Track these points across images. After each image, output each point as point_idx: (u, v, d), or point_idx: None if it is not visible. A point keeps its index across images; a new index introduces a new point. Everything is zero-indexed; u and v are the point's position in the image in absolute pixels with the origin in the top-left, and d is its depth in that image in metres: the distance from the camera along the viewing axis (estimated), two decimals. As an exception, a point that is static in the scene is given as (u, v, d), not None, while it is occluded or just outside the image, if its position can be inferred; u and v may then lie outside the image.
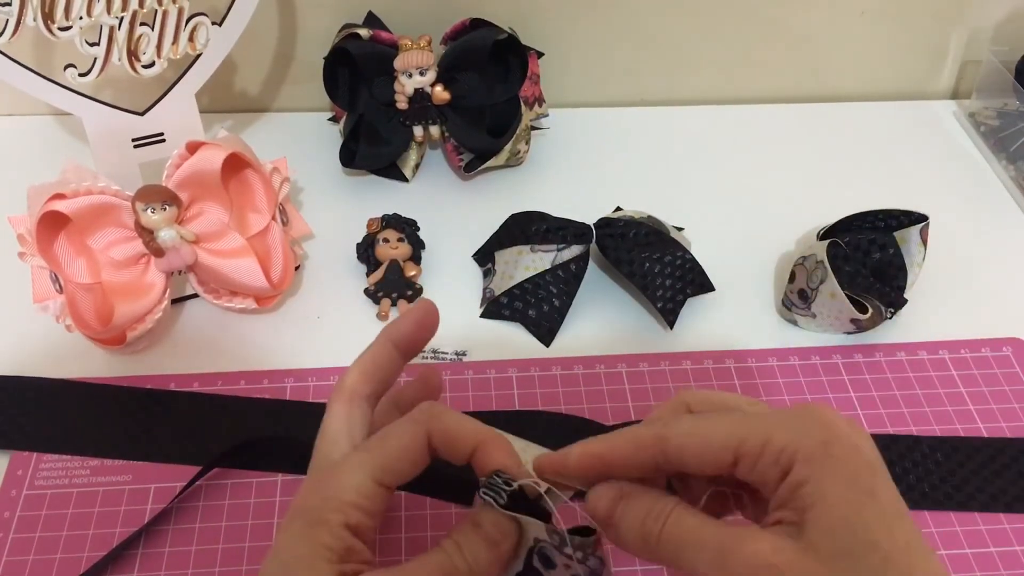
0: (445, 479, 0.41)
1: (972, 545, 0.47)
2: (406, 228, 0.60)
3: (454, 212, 0.65)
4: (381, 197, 0.66)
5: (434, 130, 0.66)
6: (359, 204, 0.65)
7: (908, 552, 0.27)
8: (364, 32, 0.63)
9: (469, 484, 0.33)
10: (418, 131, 0.66)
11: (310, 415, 0.50)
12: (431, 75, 0.64)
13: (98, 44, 0.54)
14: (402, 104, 0.65)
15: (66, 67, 0.54)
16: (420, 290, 0.59)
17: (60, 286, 0.51)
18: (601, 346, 0.56)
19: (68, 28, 0.53)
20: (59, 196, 0.50)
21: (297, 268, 0.59)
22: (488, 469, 0.32)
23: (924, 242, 0.56)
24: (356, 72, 0.64)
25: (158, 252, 0.52)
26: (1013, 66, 0.72)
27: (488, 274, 0.60)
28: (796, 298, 0.57)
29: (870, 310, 0.54)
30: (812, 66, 0.77)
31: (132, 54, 0.55)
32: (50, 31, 0.53)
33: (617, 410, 0.52)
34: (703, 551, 0.29)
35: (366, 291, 0.59)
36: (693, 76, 0.77)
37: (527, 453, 0.34)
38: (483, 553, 0.31)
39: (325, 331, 0.57)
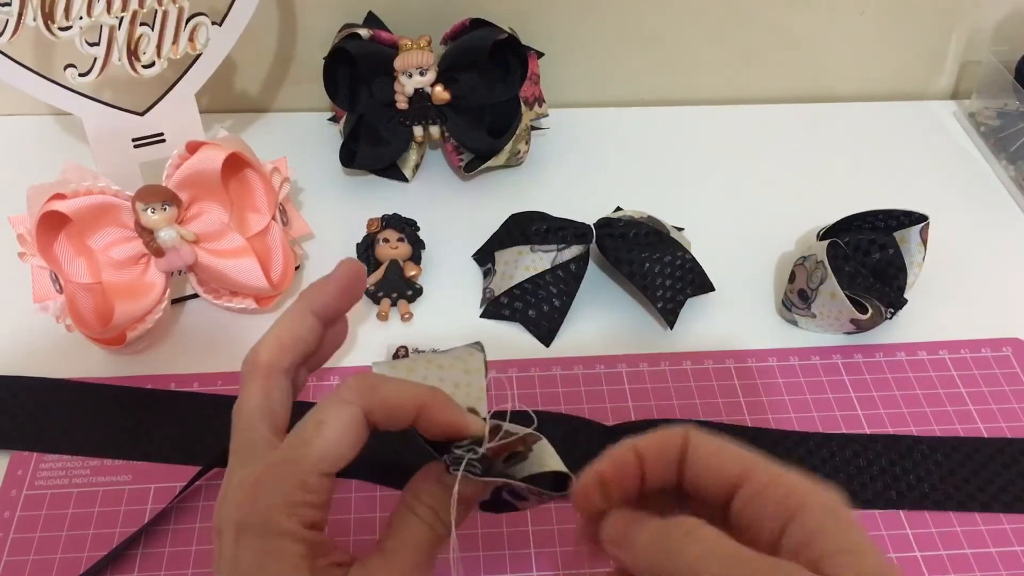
0: (378, 463, 0.40)
1: (972, 545, 0.47)
2: (406, 228, 0.60)
3: (454, 212, 0.65)
4: (381, 197, 0.66)
5: (434, 130, 0.66)
6: (359, 204, 0.65)
7: None
8: (364, 32, 0.63)
9: (401, 466, 0.33)
10: (418, 131, 0.66)
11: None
12: (431, 75, 0.64)
13: (98, 44, 0.54)
14: (402, 104, 0.65)
15: (66, 67, 0.54)
16: (420, 290, 0.59)
17: (60, 286, 0.51)
18: (601, 346, 0.56)
19: (68, 28, 0.53)
20: (59, 196, 0.50)
21: (297, 268, 0.59)
22: (435, 431, 0.31)
23: (924, 242, 0.56)
24: (356, 72, 0.64)
25: (158, 252, 0.52)
26: (1013, 66, 0.72)
27: (488, 274, 0.60)
28: (796, 298, 0.57)
29: (870, 310, 0.54)
30: (812, 66, 0.77)
31: (132, 54, 0.55)
32: (50, 31, 0.53)
33: (617, 410, 0.52)
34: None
35: (366, 291, 0.59)
36: (693, 76, 0.77)
37: (462, 392, 0.33)
38: (460, 511, 0.31)
39: (325, 331, 0.57)
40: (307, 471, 0.29)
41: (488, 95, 0.65)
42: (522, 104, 0.66)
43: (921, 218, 0.56)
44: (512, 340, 0.57)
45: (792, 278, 0.57)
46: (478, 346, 0.35)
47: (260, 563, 0.28)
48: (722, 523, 0.29)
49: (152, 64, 0.56)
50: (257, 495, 0.29)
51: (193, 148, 0.53)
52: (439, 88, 0.64)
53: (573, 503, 0.32)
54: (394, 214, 0.61)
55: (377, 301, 0.58)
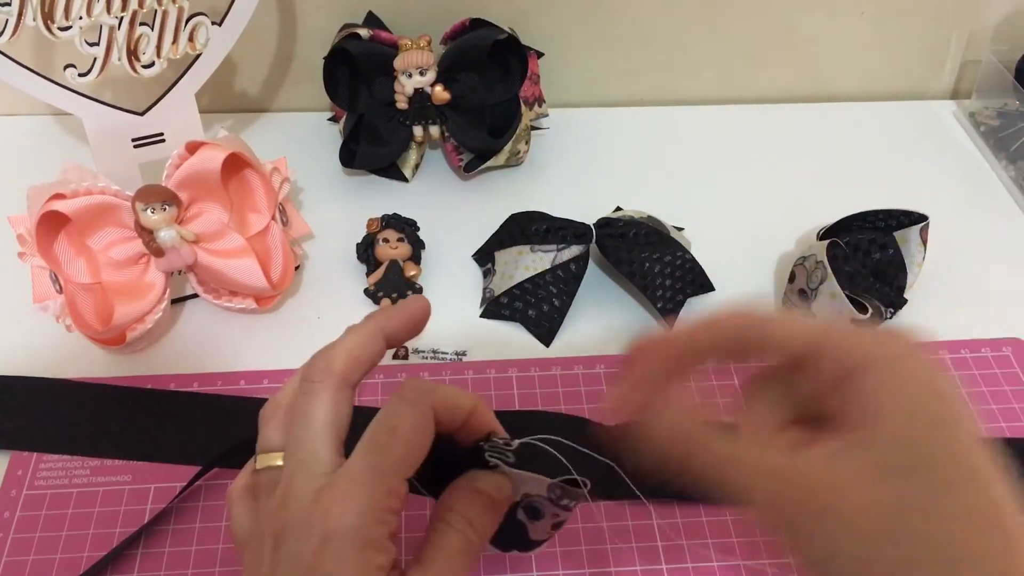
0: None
1: (972, 545, 0.47)
2: (406, 228, 0.60)
3: (454, 212, 0.65)
4: (381, 197, 0.66)
5: (434, 130, 0.66)
6: (359, 204, 0.65)
7: (988, 478, 0.27)
8: (364, 32, 0.63)
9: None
10: (418, 131, 0.66)
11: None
12: (431, 75, 0.64)
13: (98, 44, 0.54)
14: (402, 104, 0.65)
15: (66, 67, 0.54)
16: (420, 290, 0.59)
17: (60, 286, 0.51)
18: (601, 346, 0.56)
19: (68, 28, 0.53)
20: (59, 196, 0.50)
21: (297, 268, 0.59)
22: (483, 430, 0.32)
23: (924, 242, 0.56)
24: (356, 72, 0.64)
25: (158, 252, 0.52)
26: (1013, 66, 0.72)
27: (488, 274, 0.60)
28: (796, 298, 0.57)
29: (870, 310, 0.54)
30: (812, 66, 0.77)
31: (132, 54, 0.55)
32: (50, 31, 0.53)
33: (617, 410, 0.52)
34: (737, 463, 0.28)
35: (366, 291, 0.59)
36: (693, 76, 0.77)
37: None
38: (490, 519, 0.31)
39: (325, 331, 0.56)
40: (393, 477, 0.29)
41: (488, 95, 0.65)
42: (522, 104, 0.66)
43: (921, 218, 0.56)
44: (512, 340, 0.57)
45: (792, 278, 0.57)
46: None
47: (342, 571, 0.28)
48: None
49: (152, 64, 0.56)
50: (352, 506, 0.29)
51: (193, 148, 0.53)
52: (439, 88, 0.64)
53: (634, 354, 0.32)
54: (394, 214, 0.61)
55: (377, 301, 0.58)
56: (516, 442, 0.32)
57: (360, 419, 0.32)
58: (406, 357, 0.55)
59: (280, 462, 0.31)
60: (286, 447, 0.31)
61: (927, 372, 0.28)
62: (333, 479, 0.29)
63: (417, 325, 0.35)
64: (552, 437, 0.33)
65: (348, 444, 0.31)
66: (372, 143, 0.66)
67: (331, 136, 0.71)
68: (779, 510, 0.27)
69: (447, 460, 0.32)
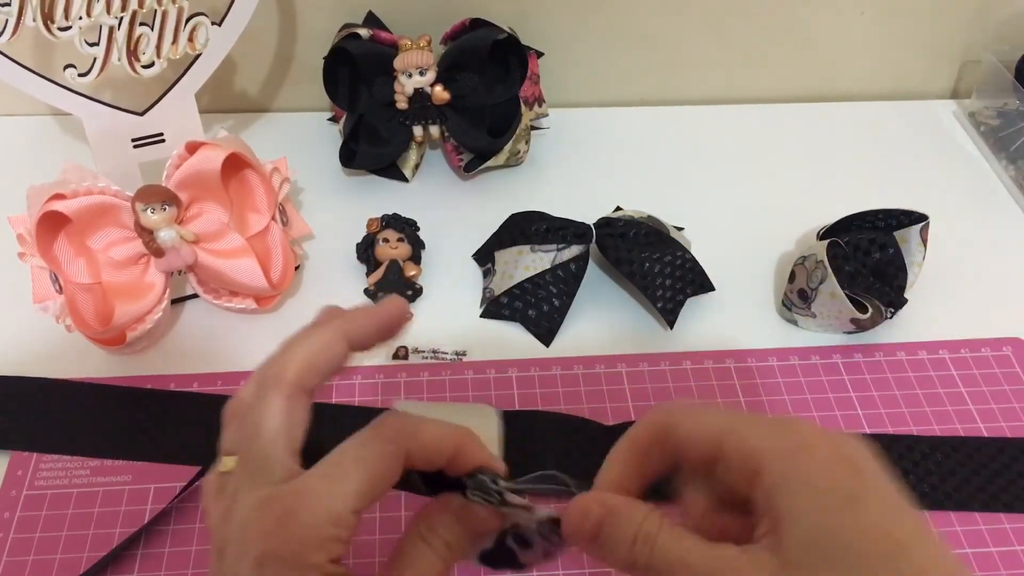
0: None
1: (972, 545, 0.47)
2: (406, 228, 0.60)
3: (454, 212, 0.65)
4: (381, 197, 0.66)
5: (434, 130, 0.66)
6: (359, 204, 0.65)
7: (910, 549, 0.25)
8: (364, 32, 0.63)
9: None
10: (418, 131, 0.66)
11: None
12: (431, 75, 0.64)
13: (98, 44, 0.54)
14: (402, 104, 0.64)
15: (66, 67, 0.54)
16: (420, 290, 0.59)
17: (60, 286, 0.51)
18: (601, 346, 0.56)
19: (68, 28, 0.53)
20: (59, 196, 0.50)
21: (297, 268, 0.59)
22: (468, 469, 0.31)
23: (924, 242, 0.56)
24: (356, 72, 0.64)
25: (158, 252, 0.52)
26: (1013, 66, 0.72)
27: (488, 274, 0.60)
28: (796, 298, 0.57)
29: (870, 310, 0.54)
30: (812, 66, 0.77)
31: (132, 54, 0.55)
32: (50, 31, 0.53)
33: (617, 410, 0.52)
34: None
35: (366, 291, 0.59)
36: (693, 76, 0.77)
37: (479, 429, 0.34)
38: (470, 545, 0.31)
39: (325, 331, 0.57)
40: (343, 507, 0.28)
41: (488, 95, 0.65)
42: (522, 104, 0.66)
43: (921, 218, 0.56)
44: (512, 340, 0.57)
45: (792, 278, 0.57)
46: (495, 410, 0.35)
47: None
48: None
49: (152, 64, 0.56)
50: (288, 526, 0.27)
51: (193, 148, 0.53)
52: (439, 88, 0.64)
53: (568, 529, 0.31)
54: (394, 214, 0.61)
55: (377, 301, 0.58)
56: (504, 485, 0.31)
57: (348, 419, 0.31)
58: (406, 357, 0.55)
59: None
60: (238, 454, 0.30)
61: (827, 456, 0.27)
62: (278, 492, 0.28)
63: (390, 328, 0.33)
64: (549, 472, 0.32)
65: (321, 445, 0.30)
66: (372, 143, 0.66)
67: (331, 136, 0.71)
68: None
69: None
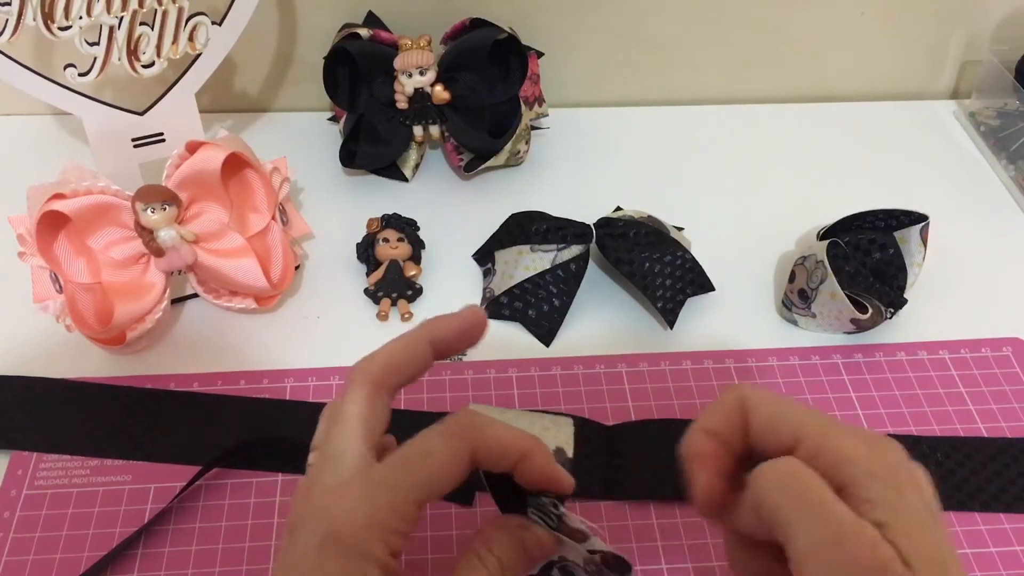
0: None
1: (972, 545, 0.47)
2: (406, 228, 0.60)
3: (454, 212, 0.65)
4: (381, 197, 0.66)
5: (434, 130, 0.66)
6: (359, 204, 0.65)
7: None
8: (364, 32, 0.63)
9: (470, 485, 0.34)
10: (418, 131, 0.66)
11: (310, 415, 0.50)
12: (431, 75, 0.64)
13: (98, 44, 0.54)
14: (402, 104, 0.65)
15: (66, 67, 0.54)
16: (420, 290, 0.59)
17: (60, 286, 0.51)
18: (601, 346, 0.56)
19: (68, 28, 0.53)
20: (59, 196, 0.50)
21: (297, 268, 0.59)
22: (532, 478, 0.31)
23: (924, 242, 0.56)
24: (356, 72, 0.64)
25: (158, 252, 0.52)
26: (1013, 66, 0.72)
27: (488, 274, 0.60)
28: (796, 298, 0.57)
29: (870, 310, 0.54)
30: (812, 66, 0.77)
31: (132, 54, 0.55)
32: (50, 31, 0.53)
33: (617, 410, 0.52)
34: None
35: (366, 291, 0.59)
36: (693, 76, 0.77)
37: (549, 440, 0.34)
38: (523, 569, 0.31)
39: (325, 331, 0.57)
40: (407, 499, 0.29)
41: (488, 95, 0.65)
42: (522, 104, 0.66)
43: (921, 218, 0.56)
44: (512, 340, 0.57)
45: (792, 278, 0.57)
46: (571, 418, 0.35)
47: (330, 572, 0.28)
48: None
49: (152, 64, 0.56)
50: (356, 512, 0.29)
51: (193, 148, 0.53)
52: (439, 88, 0.64)
53: (698, 505, 0.31)
54: (394, 214, 0.61)
55: (377, 301, 0.58)
56: (563, 507, 0.31)
57: (411, 424, 0.32)
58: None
59: None
60: (320, 443, 0.32)
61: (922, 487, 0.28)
62: (350, 479, 0.30)
63: (472, 335, 0.35)
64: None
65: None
66: (372, 143, 0.66)
67: (331, 136, 0.71)
68: None
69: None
